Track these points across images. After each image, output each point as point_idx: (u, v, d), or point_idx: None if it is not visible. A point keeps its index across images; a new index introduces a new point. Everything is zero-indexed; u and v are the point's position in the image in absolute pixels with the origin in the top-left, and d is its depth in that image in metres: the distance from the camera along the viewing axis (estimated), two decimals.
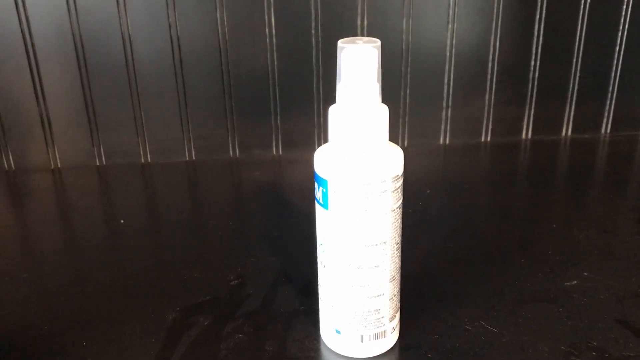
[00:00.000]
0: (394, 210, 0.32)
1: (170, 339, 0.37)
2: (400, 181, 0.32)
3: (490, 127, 0.68)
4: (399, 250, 0.34)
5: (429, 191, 0.57)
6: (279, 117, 0.64)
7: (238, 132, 0.64)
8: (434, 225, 0.51)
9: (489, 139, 0.68)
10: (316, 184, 0.33)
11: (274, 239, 0.49)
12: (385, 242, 0.33)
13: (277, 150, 0.66)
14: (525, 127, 0.68)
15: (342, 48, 0.30)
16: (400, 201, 0.33)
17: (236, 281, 0.43)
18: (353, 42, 0.30)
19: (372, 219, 0.32)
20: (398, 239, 0.34)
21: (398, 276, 0.35)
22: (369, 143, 0.31)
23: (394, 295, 0.35)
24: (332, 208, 0.32)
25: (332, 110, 0.31)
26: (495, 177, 0.61)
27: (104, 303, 0.41)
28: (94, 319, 0.40)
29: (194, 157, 0.65)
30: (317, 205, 0.33)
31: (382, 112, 0.31)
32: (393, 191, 0.32)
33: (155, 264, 0.46)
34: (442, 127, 0.67)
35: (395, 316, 0.35)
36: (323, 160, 0.32)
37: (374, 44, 0.30)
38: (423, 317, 0.39)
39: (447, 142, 0.67)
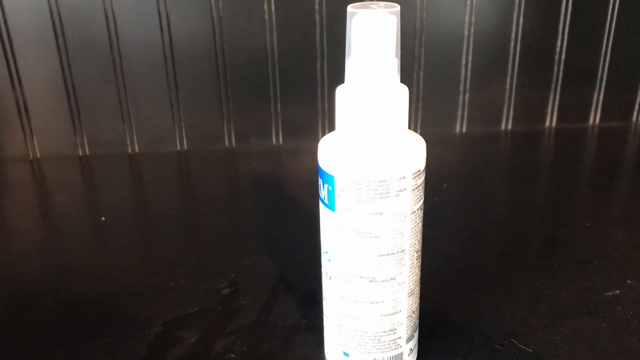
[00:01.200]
0: (414, 212, 0.27)
1: (151, 358, 0.32)
2: (422, 178, 0.27)
3: (511, 114, 0.62)
4: (419, 260, 0.29)
5: (445, 185, 0.52)
6: (279, 103, 0.59)
7: (234, 120, 0.60)
8: (453, 225, 0.46)
9: (509, 127, 0.63)
10: (320, 181, 0.28)
11: (273, 240, 0.44)
12: (403, 251, 0.27)
13: (276, 139, 0.61)
14: (549, 114, 0.63)
15: (353, 14, 0.25)
16: (422, 201, 0.28)
17: (228, 289, 0.38)
18: (366, 7, 0.25)
19: (388, 223, 0.26)
20: (418, 246, 0.29)
21: (418, 290, 0.30)
22: (385, 131, 0.26)
23: (413, 312, 0.30)
24: (340, 210, 0.27)
25: (340, 92, 0.26)
26: (518, 170, 0.56)
27: (77, 314, 0.36)
28: (64, 333, 0.35)
29: (185, 147, 0.60)
30: (321, 206, 0.28)
31: (401, 93, 0.26)
32: (413, 189, 0.27)
33: (138, 269, 0.41)
34: (459, 113, 0.62)
35: (413, 336, 0.30)
36: (329, 152, 0.27)
37: (392, 9, 0.25)
38: (444, 334, 0.34)
39: (464, 130, 0.62)
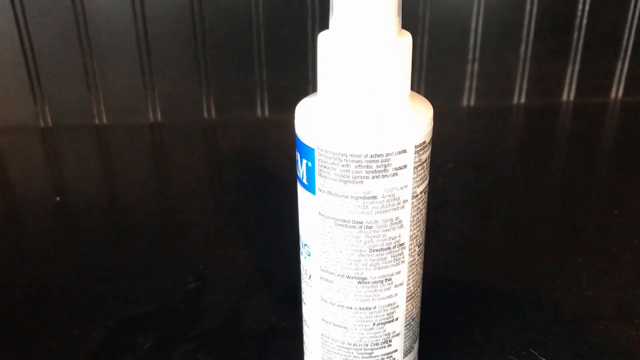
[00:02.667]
0: (417, 196, 0.22)
1: None
2: (428, 152, 0.22)
3: (524, 86, 0.57)
4: (422, 255, 0.24)
5: (451, 165, 0.46)
6: (264, 69, 0.54)
7: (214, 88, 0.54)
8: (459, 210, 0.40)
9: (522, 100, 0.58)
10: (298, 155, 0.22)
11: (250, 227, 0.38)
12: (402, 245, 0.22)
13: (262, 111, 0.55)
14: (567, 86, 0.58)
15: None
16: (426, 183, 0.22)
17: (194, 284, 0.33)
18: None
19: (384, 210, 0.21)
20: (421, 239, 0.23)
21: (419, 292, 0.24)
22: (381, 92, 0.20)
23: (412, 320, 0.24)
24: (322, 192, 0.21)
25: (323, 40, 0.20)
26: (532, 148, 0.50)
27: (12, 315, 0.31)
28: None
29: (159, 119, 0.55)
30: (299, 187, 0.23)
31: (403, 43, 0.20)
32: (416, 167, 0.21)
33: (88, 258, 0.36)
34: (467, 85, 0.56)
35: (412, 348, 0.25)
36: (308, 118, 0.21)
37: None
38: (450, 343, 0.29)
39: (472, 103, 0.57)
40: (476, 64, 0.56)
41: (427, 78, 0.56)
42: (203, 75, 0.54)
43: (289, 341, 0.29)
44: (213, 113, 0.55)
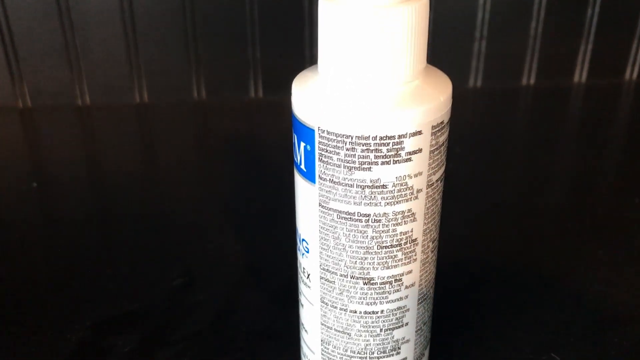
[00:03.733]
0: (432, 185, 0.19)
1: None
2: (446, 134, 0.19)
3: (534, 66, 0.54)
4: (436, 252, 0.21)
5: (458, 150, 0.44)
6: (257, 47, 0.51)
7: (204, 67, 0.51)
8: (468, 200, 0.38)
9: (532, 81, 0.55)
10: (295, 138, 0.19)
11: (243, 217, 0.36)
12: (414, 241, 0.19)
13: (255, 91, 0.53)
14: (579, 67, 0.55)
15: None
16: (443, 169, 0.20)
17: (181, 280, 0.30)
18: None
19: (394, 201, 0.18)
20: (435, 234, 0.20)
21: (432, 293, 0.22)
22: (392, 65, 0.17)
23: (424, 324, 0.22)
24: (323, 180, 0.18)
25: (325, 5, 0.18)
26: (542, 132, 0.47)
27: None
28: None
29: (145, 99, 0.52)
30: (296, 175, 0.20)
31: (418, 9, 0.17)
32: (433, 151, 0.18)
33: (66, 251, 0.33)
34: (473, 64, 0.53)
35: (423, 355, 0.23)
36: (307, 93, 0.18)
37: None
38: (461, 346, 0.26)
39: (479, 84, 0.54)
40: (483, 43, 0.53)
41: (430, 57, 0.53)
42: (192, 53, 0.51)
43: (283, 345, 0.26)
44: (203, 93, 0.52)
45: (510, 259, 0.32)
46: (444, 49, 0.53)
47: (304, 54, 0.51)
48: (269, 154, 0.44)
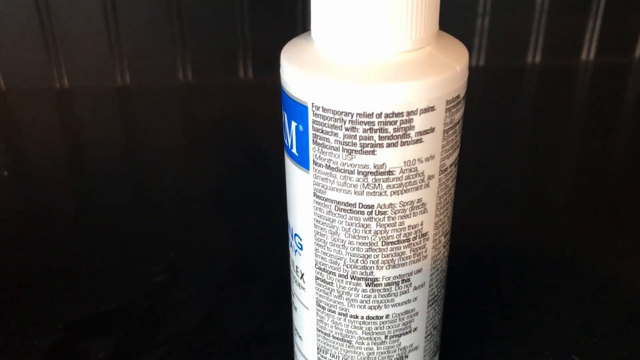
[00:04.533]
0: (446, 170, 0.16)
1: None
2: (461, 111, 0.16)
3: (540, 43, 0.52)
4: (448, 248, 0.18)
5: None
6: (247, 24, 0.48)
7: (190, 46, 0.48)
8: (474, 186, 0.35)
9: (537, 59, 0.52)
10: (285, 117, 0.17)
11: (232, 207, 0.33)
12: (424, 235, 0.17)
13: (244, 72, 0.50)
14: (587, 44, 0.52)
15: None
16: (458, 152, 0.17)
17: (163, 276, 0.28)
18: None
19: (402, 190, 0.16)
20: (448, 227, 0.18)
21: (442, 293, 0.19)
22: (399, 30, 0.15)
23: (434, 328, 0.19)
24: (318, 166, 0.16)
25: None
26: (548, 113, 0.45)
27: None
28: None
29: (128, 82, 0.49)
30: (287, 161, 0.17)
31: None
32: (447, 130, 0.16)
33: (40, 247, 0.30)
34: (476, 42, 0.51)
35: None
36: (299, 64, 0.16)
37: None
38: (476, 350, 0.24)
39: (482, 63, 0.51)
40: (487, 19, 0.50)
41: None
42: (177, 31, 0.48)
43: (277, 349, 0.24)
44: (189, 75, 0.49)
45: (522, 250, 0.29)
46: (444, 25, 0.50)
47: (296, 31, 0.48)
48: (260, 140, 0.41)
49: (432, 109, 0.15)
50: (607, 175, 0.36)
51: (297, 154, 0.16)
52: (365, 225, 0.16)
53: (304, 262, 0.18)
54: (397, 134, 0.15)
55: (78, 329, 0.25)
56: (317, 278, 0.18)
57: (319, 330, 0.19)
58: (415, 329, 0.18)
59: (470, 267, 0.28)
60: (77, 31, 0.47)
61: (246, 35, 0.49)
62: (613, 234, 0.30)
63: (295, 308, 0.20)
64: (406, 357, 0.19)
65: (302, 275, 0.18)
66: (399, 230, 0.16)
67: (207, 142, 0.41)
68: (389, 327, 0.18)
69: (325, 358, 0.19)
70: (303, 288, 0.18)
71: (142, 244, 0.30)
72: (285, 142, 0.17)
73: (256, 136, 0.42)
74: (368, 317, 0.18)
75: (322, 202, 0.16)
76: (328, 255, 0.17)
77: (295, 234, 0.18)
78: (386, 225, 0.16)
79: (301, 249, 0.18)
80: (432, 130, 0.15)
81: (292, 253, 0.19)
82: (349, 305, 0.18)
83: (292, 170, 0.17)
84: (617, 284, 0.27)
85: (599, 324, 0.25)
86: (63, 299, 0.27)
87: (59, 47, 0.47)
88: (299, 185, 0.17)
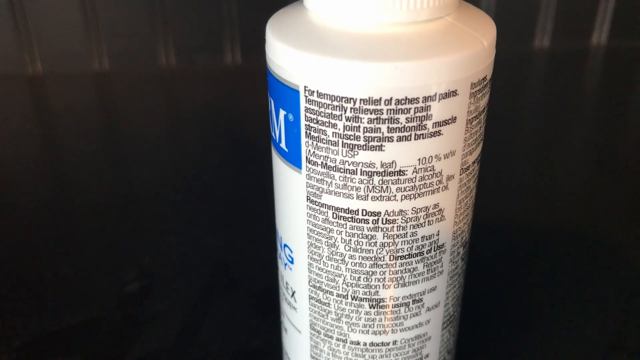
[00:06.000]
0: (468, 168, 0.14)
1: None
2: (487, 96, 0.14)
3: (548, 26, 0.49)
4: (466, 261, 0.16)
5: None
6: (233, 4, 0.46)
7: (172, 28, 0.45)
8: (485, 180, 0.32)
9: (545, 43, 0.49)
10: (271, 104, 0.14)
11: (215, 205, 0.30)
12: (441, 247, 0.14)
13: (232, 56, 0.47)
14: (598, 27, 0.50)
15: None
16: (481, 147, 0.14)
17: (137, 284, 0.25)
18: None
19: (416, 193, 0.13)
20: (467, 236, 0.15)
21: (458, 312, 0.16)
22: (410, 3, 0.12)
23: (448, 352, 0.17)
24: (313, 165, 0.13)
25: None
26: (558, 101, 0.42)
27: None
28: None
29: (106, 66, 0.46)
30: (275, 157, 0.14)
31: None
32: (472, 120, 0.13)
33: (0, 254, 0.27)
34: None
35: None
36: (288, 39, 0.13)
37: None
38: None
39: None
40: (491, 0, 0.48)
41: None
42: (159, 12, 0.45)
43: None
44: (172, 59, 0.46)
45: (536, 254, 0.27)
46: None
47: None
48: (249, 132, 0.38)
49: (454, 93, 0.12)
50: (631, 175, 0.34)
51: (286, 150, 0.14)
52: (369, 237, 0.13)
53: (295, 278, 0.15)
54: (410, 125, 0.12)
55: (39, 346, 0.22)
56: (311, 297, 0.15)
57: (313, 357, 0.16)
58: (427, 356, 0.16)
59: (484, 275, 0.25)
60: (50, 11, 0.44)
61: (233, 15, 0.45)
62: (636, 238, 0.28)
63: (286, 330, 0.17)
64: None
65: (293, 293, 0.15)
66: (410, 242, 0.14)
67: (190, 134, 0.38)
68: (397, 354, 0.15)
69: None
70: (294, 308, 0.16)
71: (112, 248, 0.27)
72: (273, 135, 0.14)
73: (245, 128, 0.39)
74: (372, 344, 0.15)
75: (318, 208, 0.13)
76: (324, 271, 0.14)
77: (285, 245, 0.15)
78: (395, 237, 0.13)
79: (292, 262, 0.15)
80: (453, 120, 0.12)
81: (281, 266, 0.16)
82: (349, 330, 0.15)
83: (281, 170, 0.14)
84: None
85: (624, 338, 0.22)
86: (20, 312, 0.24)
87: (30, 29, 0.44)
88: (289, 187, 0.14)
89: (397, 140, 0.12)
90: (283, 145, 0.14)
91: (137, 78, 0.45)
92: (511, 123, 0.39)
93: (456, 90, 0.12)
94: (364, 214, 0.13)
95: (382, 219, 0.13)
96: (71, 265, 0.26)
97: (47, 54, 0.45)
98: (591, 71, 0.48)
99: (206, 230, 0.28)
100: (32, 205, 0.31)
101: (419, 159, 0.13)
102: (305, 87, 0.12)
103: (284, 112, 0.13)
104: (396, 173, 0.13)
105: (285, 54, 0.13)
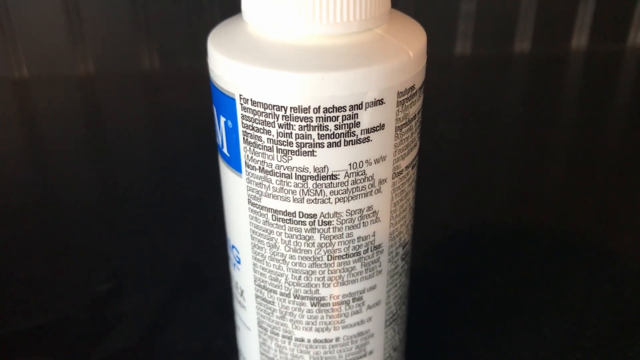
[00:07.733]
0: (401, 173, 0.14)
1: None
2: (418, 104, 0.14)
3: (529, 29, 0.49)
4: (409, 260, 0.16)
5: (444, 126, 0.39)
6: (217, 6, 0.46)
7: (155, 31, 0.46)
8: (455, 182, 0.33)
9: (526, 47, 0.50)
10: (214, 111, 0.15)
11: (188, 206, 0.31)
12: (378, 248, 0.15)
13: None
14: (577, 30, 0.50)
15: None
16: (416, 151, 0.15)
17: (106, 285, 0.25)
18: None
19: (350, 196, 0.14)
20: (407, 237, 0.16)
21: (403, 311, 0.17)
22: (343, 7, 0.12)
23: (394, 350, 0.17)
24: (252, 169, 0.14)
25: None
26: (539, 106, 0.43)
27: None
28: None
29: (91, 69, 0.46)
30: (220, 162, 0.15)
31: None
32: (401, 127, 0.14)
33: None
34: (461, 28, 0.49)
35: None
36: (224, 49, 0.13)
37: None
38: None
39: (469, 51, 0.49)
40: (474, 3, 0.48)
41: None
42: (142, 15, 0.45)
43: None
44: (156, 63, 0.47)
45: (509, 259, 0.27)
46: (428, 10, 0.48)
47: None
48: None
49: (380, 102, 0.13)
50: (605, 178, 0.34)
51: (228, 155, 0.14)
52: (307, 237, 0.14)
53: (243, 278, 0.16)
54: (339, 131, 0.13)
55: (7, 346, 0.23)
56: (257, 296, 0.16)
57: (262, 354, 0.17)
58: (372, 352, 0.16)
59: (447, 277, 0.26)
60: (35, 15, 0.45)
61: (216, 16, 0.46)
62: (604, 241, 0.28)
63: (238, 328, 0.18)
64: None
65: (242, 292, 0.16)
66: (347, 242, 0.14)
67: (174, 136, 0.39)
68: (340, 351, 0.16)
69: None
70: (244, 307, 0.16)
71: (82, 250, 0.28)
72: (217, 141, 0.15)
73: None
74: (315, 341, 0.16)
75: (258, 210, 0.14)
76: (267, 271, 0.15)
77: (233, 246, 0.16)
78: (331, 237, 0.14)
79: (239, 262, 0.16)
80: (381, 127, 0.13)
81: (231, 267, 0.17)
82: (294, 327, 0.16)
83: (225, 173, 0.15)
84: (602, 299, 0.25)
85: (586, 338, 0.23)
86: None
87: (15, 32, 0.45)
88: (233, 190, 0.15)
89: (327, 146, 0.13)
90: (225, 150, 0.14)
91: (121, 82, 0.46)
92: (491, 126, 0.40)
93: (382, 99, 0.13)
94: (301, 216, 0.14)
95: (318, 220, 0.14)
96: (43, 265, 0.27)
97: (32, 58, 0.46)
98: (571, 75, 0.49)
99: (177, 232, 0.29)
100: (4, 206, 0.31)
101: (350, 164, 0.13)
102: (240, 95, 0.13)
103: (224, 119, 0.14)
104: (329, 177, 0.13)
105: (222, 64, 0.13)
